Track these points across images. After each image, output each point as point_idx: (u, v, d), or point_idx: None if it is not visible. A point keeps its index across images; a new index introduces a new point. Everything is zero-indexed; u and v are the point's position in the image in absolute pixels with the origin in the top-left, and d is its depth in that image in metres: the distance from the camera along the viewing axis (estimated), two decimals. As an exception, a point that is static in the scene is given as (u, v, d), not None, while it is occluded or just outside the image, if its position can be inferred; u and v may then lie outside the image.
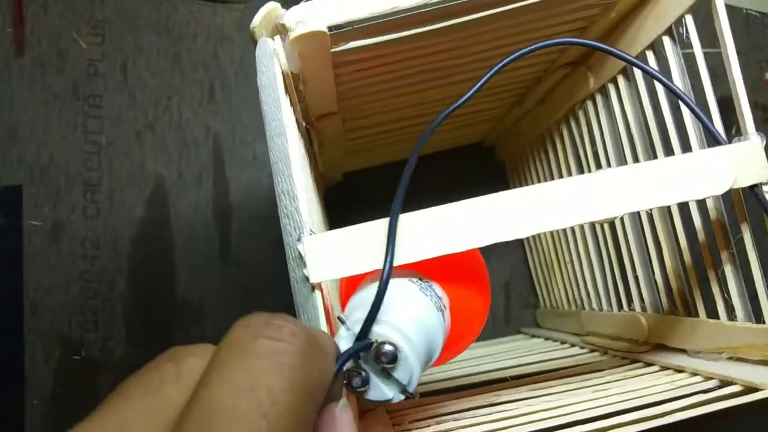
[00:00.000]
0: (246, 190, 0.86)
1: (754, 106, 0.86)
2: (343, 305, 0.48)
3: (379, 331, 0.36)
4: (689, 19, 0.47)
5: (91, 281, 0.81)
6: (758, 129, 0.43)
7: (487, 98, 0.69)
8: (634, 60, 0.46)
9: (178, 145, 0.85)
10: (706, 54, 0.47)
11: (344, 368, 0.35)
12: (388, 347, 0.36)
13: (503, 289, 0.88)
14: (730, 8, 0.86)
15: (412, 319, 0.39)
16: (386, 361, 0.36)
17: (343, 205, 0.82)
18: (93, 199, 0.83)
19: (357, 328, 0.36)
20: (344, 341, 0.36)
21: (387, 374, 0.36)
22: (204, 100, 0.86)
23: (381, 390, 0.36)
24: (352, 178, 0.84)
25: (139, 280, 0.83)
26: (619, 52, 0.46)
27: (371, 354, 0.36)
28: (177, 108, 0.86)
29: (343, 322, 0.37)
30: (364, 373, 0.36)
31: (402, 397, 0.37)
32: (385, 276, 0.37)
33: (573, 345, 0.71)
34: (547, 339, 0.78)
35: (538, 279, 0.86)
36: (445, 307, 0.44)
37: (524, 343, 0.79)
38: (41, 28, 0.85)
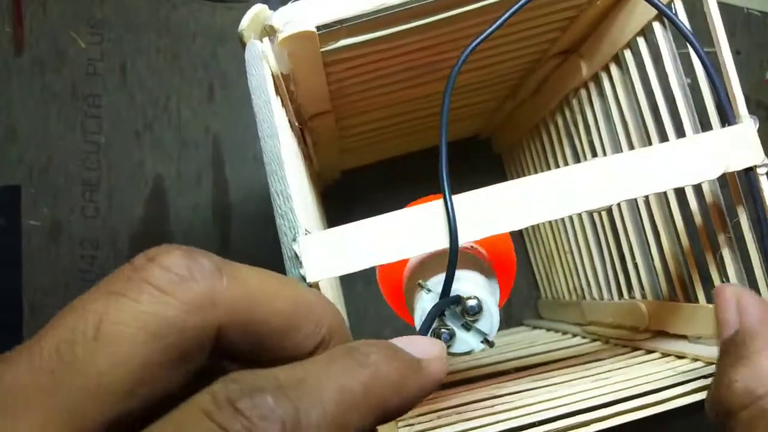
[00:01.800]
0: (246, 189, 0.86)
1: (756, 105, 0.85)
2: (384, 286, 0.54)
3: (461, 288, 0.41)
4: (678, 4, 0.47)
5: (90, 281, 0.81)
6: (761, 129, 0.43)
7: (480, 90, 0.69)
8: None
9: (178, 144, 0.86)
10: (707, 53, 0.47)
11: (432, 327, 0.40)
12: (472, 301, 0.40)
13: (504, 289, 0.88)
14: (730, 7, 0.86)
15: (481, 272, 0.44)
16: (471, 314, 0.40)
17: (341, 204, 0.82)
18: (92, 198, 0.83)
19: (438, 289, 0.40)
20: (428, 303, 0.41)
21: (468, 327, 0.41)
22: (203, 100, 0.86)
23: (466, 342, 0.41)
24: (350, 177, 0.84)
25: (139, 280, 0.82)
26: None
27: (457, 310, 0.41)
28: (176, 107, 0.86)
29: (422, 287, 0.42)
30: (449, 329, 0.41)
31: (482, 346, 0.42)
32: (453, 234, 0.38)
33: (574, 335, 0.71)
34: (548, 330, 0.78)
35: (539, 270, 0.86)
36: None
37: (526, 335, 0.79)
38: (40, 27, 0.86)
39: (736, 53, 0.85)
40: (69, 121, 0.84)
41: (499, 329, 0.84)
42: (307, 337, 0.26)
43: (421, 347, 0.28)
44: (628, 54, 0.55)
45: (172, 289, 0.22)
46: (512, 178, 0.83)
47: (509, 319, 0.87)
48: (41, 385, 0.20)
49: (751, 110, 0.43)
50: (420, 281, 0.43)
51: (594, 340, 0.67)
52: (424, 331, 0.38)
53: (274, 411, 0.20)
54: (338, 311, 0.29)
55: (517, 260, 0.88)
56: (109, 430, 0.21)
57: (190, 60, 0.87)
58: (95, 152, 0.84)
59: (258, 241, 0.84)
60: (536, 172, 0.78)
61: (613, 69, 0.57)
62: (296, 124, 0.53)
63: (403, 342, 0.28)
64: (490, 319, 0.42)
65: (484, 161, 0.90)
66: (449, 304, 0.40)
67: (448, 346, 0.41)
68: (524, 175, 0.81)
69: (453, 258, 0.38)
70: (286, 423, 0.20)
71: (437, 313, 0.40)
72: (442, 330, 0.41)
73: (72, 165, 0.84)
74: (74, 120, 0.84)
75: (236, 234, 0.85)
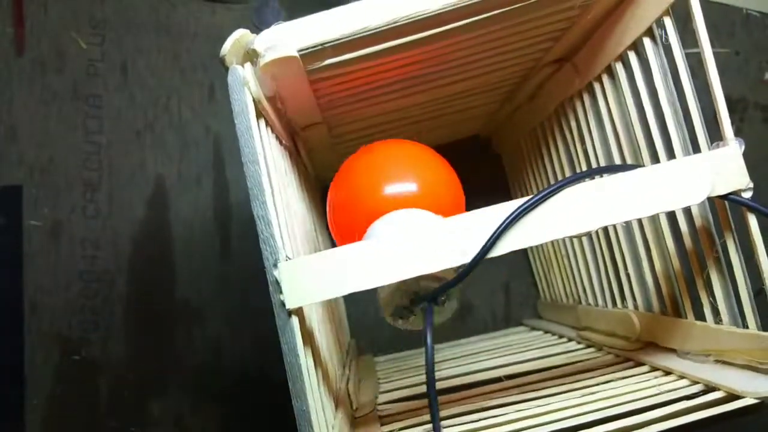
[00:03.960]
0: (246, 190, 0.85)
1: (755, 106, 0.85)
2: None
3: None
4: (668, 21, 0.47)
5: (90, 281, 0.82)
6: (759, 129, 0.43)
7: (477, 96, 0.68)
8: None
9: (178, 145, 0.86)
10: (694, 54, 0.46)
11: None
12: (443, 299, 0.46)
13: (503, 289, 0.88)
14: (730, 8, 0.85)
15: None
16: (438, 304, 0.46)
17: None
18: (93, 199, 0.84)
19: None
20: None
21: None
22: (204, 100, 0.86)
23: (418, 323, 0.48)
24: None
25: (139, 280, 0.83)
26: None
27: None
28: (177, 108, 0.86)
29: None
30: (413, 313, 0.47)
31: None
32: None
33: (570, 339, 0.72)
34: (546, 332, 0.79)
35: (538, 272, 0.86)
36: None
37: (524, 337, 0.79)
38: (41, 28, 0.86)
39: (735, 54, 0.84)
40: (70, 121, 0.84)
41: (499, 329, 0.85)
42: None
43: None
44: (619, 67, 0.54)
45: None
46: (512, 178, 0.84)
47: (508, 318, 0.88)
48: None
49: (750, 111, 0.43)
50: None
51: (588, 347, 0.67)
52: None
53: None
54: None
55: (517, 261, 0.89)
56: None
57: (190, 60, 0.87)
58: (96, 152, 0.85)
59: (258, 241, 0.84)
60: (534, 174, 0.78)
61: (606, 81, 0.57)
62: (285, 139, 0.53)
63: None
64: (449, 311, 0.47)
65: (484, 160, 0.89)
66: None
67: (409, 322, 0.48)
68: (523, 176, 0.82)
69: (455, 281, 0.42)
70: None
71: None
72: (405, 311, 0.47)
73: (73, 165, 0.84)
74: (75, 120, 0.85)
75: (236, 234, 0.85)
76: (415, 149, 0.55)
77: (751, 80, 0.86)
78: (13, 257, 0.81)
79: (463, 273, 0.40)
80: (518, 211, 0.40)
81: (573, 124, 0.65)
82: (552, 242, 0.79)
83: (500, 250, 0.40)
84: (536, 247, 0.85)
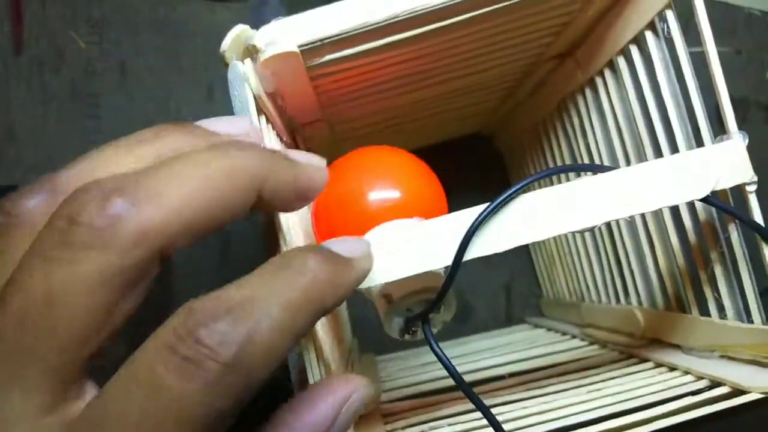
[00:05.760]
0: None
1: (757, 106, 0.84)
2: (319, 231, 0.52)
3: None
4: (670, 14, 0.46)
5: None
6: (761, 130, 0.42)
7: (477, 93, 0.68)
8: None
9: (177, 144, 0.85)
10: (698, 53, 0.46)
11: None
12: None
13: (504, 290, 0.87)
14: (732, 7, 0.85)
15: None
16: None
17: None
18: (91, 199, 0.83)
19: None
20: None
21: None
22: (203, 100, 0.86)
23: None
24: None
25: (139, 281, 0.82)
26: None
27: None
28: (176, 108, 0.85)
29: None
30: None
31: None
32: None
33: (573, 336, 0.72)
34: (549, 330, 0.78)
35: (541, 269, 0.86)
36: None
37: (527, 335, 0.79)
38: (39, 27, 0.85)
39: (736, 53, 0.83)
40: (68, 121, 0.84)
41: (500, 328, 0.85)
42: (246, 205, 0.28)
43: (349, 247, 0.30)
44: (621, 61, 0.54)
45: (100, 243, 0.23)
46: (513, 175, 0.84)
47: (510, 320, 0.87)
48: (15, 357, 0.23)
49: (752, 111, 0.43)
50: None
51: (592, 344, 0.67)
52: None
53: (230, 334, 0.24)
54: (276, 159, 0.30)
55: (519, 259, 0.88)
56: (92, 358, 0.24)
57: (189, 60, 0.86)
58: (95, 152, 0.84)
59: (258, 241, 0.84)
60: (536, 171, 0.78)
61: (608, 75, 0.57)
62: (286, 136, 0.53)
63: (333, 243, 0.30)
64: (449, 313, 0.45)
65: (486, 157, 0.89)
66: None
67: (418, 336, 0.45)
68: (525, 173, 0.82)
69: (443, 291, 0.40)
70: (242, 342, 0.24)
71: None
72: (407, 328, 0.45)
73: (72, 165, 0.83)
74: (73, 120, 0.84)
75: (236, 234, 0.85)
76: (396, 157, 0.54)
77: (754, 80, 0.86)
78: (11, 258, 0.81)
79: (445, 285, 0.40)
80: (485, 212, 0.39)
81: (575, 119, 0.65)
82: (555, 240, 0.79)
83: (479, 251, 0.39)
84: (539, 244, 0.85)
